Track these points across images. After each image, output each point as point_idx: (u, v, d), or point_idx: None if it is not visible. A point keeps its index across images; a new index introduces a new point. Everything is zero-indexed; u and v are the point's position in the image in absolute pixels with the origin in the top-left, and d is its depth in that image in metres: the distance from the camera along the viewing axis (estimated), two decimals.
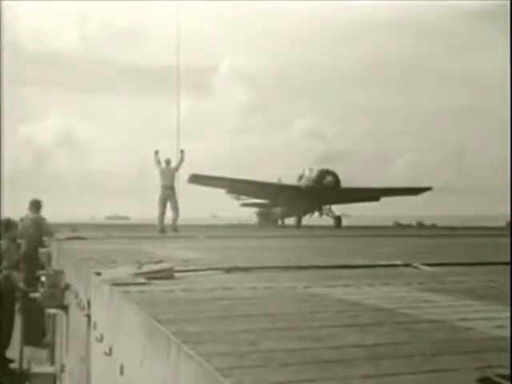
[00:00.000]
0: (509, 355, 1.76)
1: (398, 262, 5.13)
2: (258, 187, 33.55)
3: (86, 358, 4.66)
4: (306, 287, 3.59)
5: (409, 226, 32.65)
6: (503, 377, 1.52)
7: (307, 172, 31.95)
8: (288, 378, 1.57)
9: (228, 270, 4.55)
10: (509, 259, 5.07)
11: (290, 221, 37.23)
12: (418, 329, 2.25)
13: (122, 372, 2.92)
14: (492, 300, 3.04)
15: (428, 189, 34.12)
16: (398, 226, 34.33)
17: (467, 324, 2.33)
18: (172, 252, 7.12)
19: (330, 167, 33.09)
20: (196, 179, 29.55)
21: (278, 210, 36.92)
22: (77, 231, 14.10)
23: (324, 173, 30.21)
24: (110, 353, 3.33)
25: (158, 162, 17.93)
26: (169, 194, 17.72)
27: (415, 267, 4.88)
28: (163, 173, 17.90)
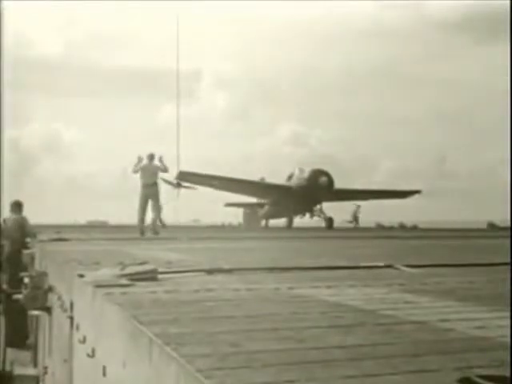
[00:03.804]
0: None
1: (380, 264, 5.16)
2: (246, 186, 32.72)
3: (68, 360, 4.64)
4: (289, 288, 3.61)
5: (391, 228, 32.76)
6: (483, 377, 1.53)
7: (297, 172, 31.24)
8: (270, 379, 1.58)
9: (211, 272, 4.56)
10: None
11: (275, 222, 36.77)
12: (399, 330, 2.27)
13: (104, 374, 2.92)
14: (472, 301, 3.07)
15: (417, 192, 34.05)
16: (381, 227, 34.47)
17: (447, 325, 2.35)
18: (155, 253, 7.11)
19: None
20: (184, 176, 28.55)
21: (265, 210, 36.13)
22: (60, 233, 14.03)
23: (317, 172, 29.49)
24: (92, 354, 3.32)
25: (136, 168, 16.20)
26: (150, 192, 16.18)
27: (397, 268, 4.91)
28: (144, 170, 16.28)
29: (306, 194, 29.56)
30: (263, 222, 37.77)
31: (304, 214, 31.87)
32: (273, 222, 37.29)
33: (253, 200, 37.79)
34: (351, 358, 1.80)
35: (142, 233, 15.79)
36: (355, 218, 37.75)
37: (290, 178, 32.16)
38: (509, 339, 2.00)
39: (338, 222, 33.02)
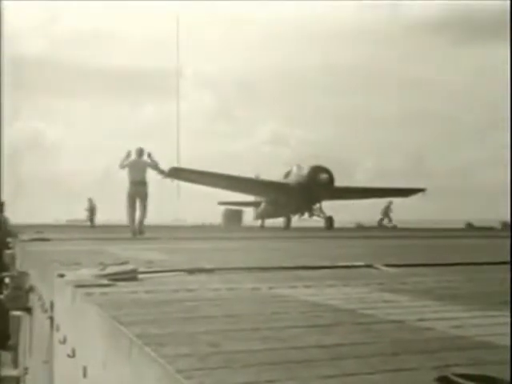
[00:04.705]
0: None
1: (359, 263, 5.19)
2: (242, 183, 30.78)
3: (49, 361, 4.62)
4: (269, 288, 3.62)
5: (372, 228, 32.72)
6: (460, 376, 1.55)
7: (295, 169, 29.55)
8: (250, 379, 1.58)
9: (192, 272, 4.55)
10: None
11: (271, 222, 34.74)
12: (378, 329, 2.29)
13: (85, 374, 2.91)
14: (450, 300, 3.10)
15: (421, 190, 32.80)
16: (360, 227, 34.34)
17: (426, 324, 2.37)
18: (136, 253, 7.09)
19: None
20: (176, 173, 26.24)
21: (261, 209, 34.29)
22: (42, 233, 13.94)
23: (317, 169, 27.81)
24: (72, 355, 3.31)
25: (123, 163, 15.24)
26: (138, 190, 15.11)
27: (376, 268, 4.94)
28: (132, 166, 15.21)
29: (305, 191, 27.81)
30: (259, 222, 35.93)
31: (303, 214, 30.18)
32: (270, 222, 35.49)
33: (248, 198, 36.17)
34: (331, 358, 1.81)
35: (134, 233, 14.83)
36: (387, 216, 36.08)
37: (287, 175, 30.30)
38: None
39: (341, 223, 31.33)
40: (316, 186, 27.43)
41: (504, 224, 33.15)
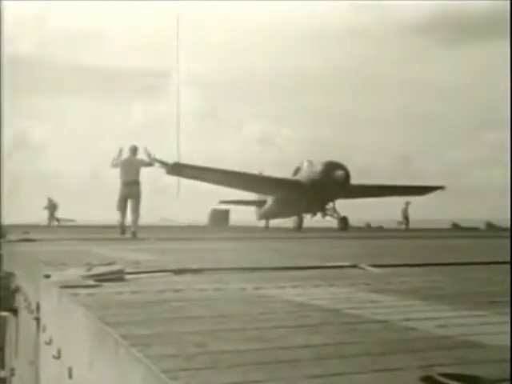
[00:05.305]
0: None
1: (345, 263, 5.20)
2: (250, 180, 28.18)
3: (35, 362, 4.60)
4: (255, 288, 3.62)
5: (359, 228, 32.42)
6: (445, 375, 1.56)
7: (306, 165, 27.34)
8: (236, 380, 1.58)
9: (178, 272, 4.55)
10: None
11: (276, 223, 32.45)
12: (364, 329, 2.30)
13: (70, 375, 2.90)
14: (435, 300, 3.12)
15: (440, 187, 30.72)
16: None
17: (411, 324, 2.38)
18: (122, 254, 7.08)
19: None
20: (178, 169, 24.41)
21: (266, 208, 32.04)
22: (28, 233, 13.87)
23: (332, 165, 25.51)
24: (58, 356, 3.30)
25: (115, 162, 14.52)
26: (130, 190, 14.33)
27: (361, 268, 4.95)
28: (125, 165, 14.43)
29: (319, 189, 25.42)
30: (263, 222, 33.68)
31: (315, 214, 27.74)
32: (274, 223, 33.26)
33: (250, 198, 34.16)
34: (317, 358, 1.82)
35: (123, 234, 14.21)
36: (406, 218, 34.66)
37: (296, 171, 28.00)
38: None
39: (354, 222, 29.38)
40: (331, 184, 25.10)
41: (489, 224, 33.33)
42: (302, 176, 26.94)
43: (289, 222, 28.89)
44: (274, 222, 33.17)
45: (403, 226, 33.91)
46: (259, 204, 33.51)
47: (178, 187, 25.29)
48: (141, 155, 14.85)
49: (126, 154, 14.65)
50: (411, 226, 33.80)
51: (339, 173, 25.06)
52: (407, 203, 34.36)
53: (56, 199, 37.64)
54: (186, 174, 25.74)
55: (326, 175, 25.30)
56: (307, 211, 27.29)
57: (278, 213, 30.54)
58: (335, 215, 26.92)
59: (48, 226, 31.94)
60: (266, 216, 32.72)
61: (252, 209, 35.54)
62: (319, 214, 27.74)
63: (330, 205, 27.08)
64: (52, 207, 36.68)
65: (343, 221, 26.34)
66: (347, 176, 25.25)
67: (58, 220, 36.46)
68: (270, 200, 31.41)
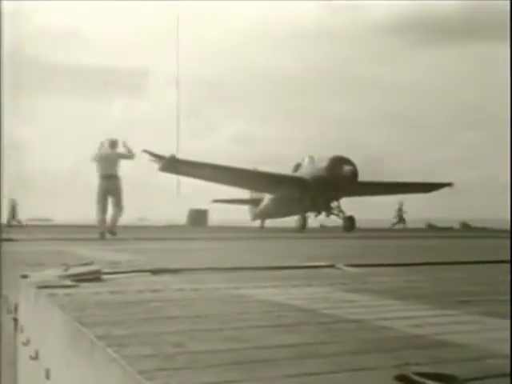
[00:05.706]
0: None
1: (322, 263, 5.22)
2: (251, 177, 26.57)
3: (12, 363, 4.57)
4: (233, 288, 3.63)
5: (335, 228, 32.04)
6: (420, 374, 1.58)
7: (307, 160, 25.76)
8: (214, 379, 1.59)
9: (157, 272, 4.54)
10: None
11: (275, 224, 30.27)
12: (340, 328, 2.32)
13: (48, 376, 2.89)
14: (411, 299, 3.14)
15: (448, 184, 29.08)
16: (323, 227, 33.51)
17: (386, 323, 2.40)
18: (100, 254, 7.05)
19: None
20: (173, 164, 22.89)
21: (263, 207, 30.25)
22: (9, 233, 13.74)
23: (339, 160, 23.85)
24: (36, 357, 3.28)
25: (95, 156, 13.83)
26: (109, 185, 13.57)
27: (338, 268, 4.97)
28: (103, 158, 13.72)
29: (324, 186, 23.77)
30: (258, 222, 32.09)
31: (319, 213, 25.93)
32: (271, 223, 31.38)
33: (243, 196, 32.67)
34: (294, 357, 1.83)
35: (103, 235, 13.23)
36: (401, 218, 34.04)
37: (296, 168, 26.36)
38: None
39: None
40: (338, 180, 23.40)
41: (463, 224, 33.53)
42: (305, 172, 25.17)
43: (289, 222, 27.19)
44: (270, 222, 31.26)
45: (397, 227, 33.21)
46: (253, 203, 31.97)
47: (177, 186, 24.07)
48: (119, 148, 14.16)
49: (105, 148, 14.05)
50: (410, 226, 33.52)
51: (347, 168, 23.37)
52: (401, 203, 33.74)
53: (27, 199, 36.89)
54: (182, 171, 24.04)
55: (332, 171, 23.58)
56: (311, 210, 25.63)
57: (276, 212, 28.71)
58: (340, 214, 25.38)
59: (10, 226, 31.47)
60: (262, 215, 30.98)
61: (236, 208, 34.47)
62: (323, 214, 26.13)
63: (335, 203, 25.51)
64: (12, 208, 36.26)
65: (349, 220, 24.81)
66: (355, 172, 23.63)
67: (19, 221, 35.88)
68: (266, 198, 29.61)
